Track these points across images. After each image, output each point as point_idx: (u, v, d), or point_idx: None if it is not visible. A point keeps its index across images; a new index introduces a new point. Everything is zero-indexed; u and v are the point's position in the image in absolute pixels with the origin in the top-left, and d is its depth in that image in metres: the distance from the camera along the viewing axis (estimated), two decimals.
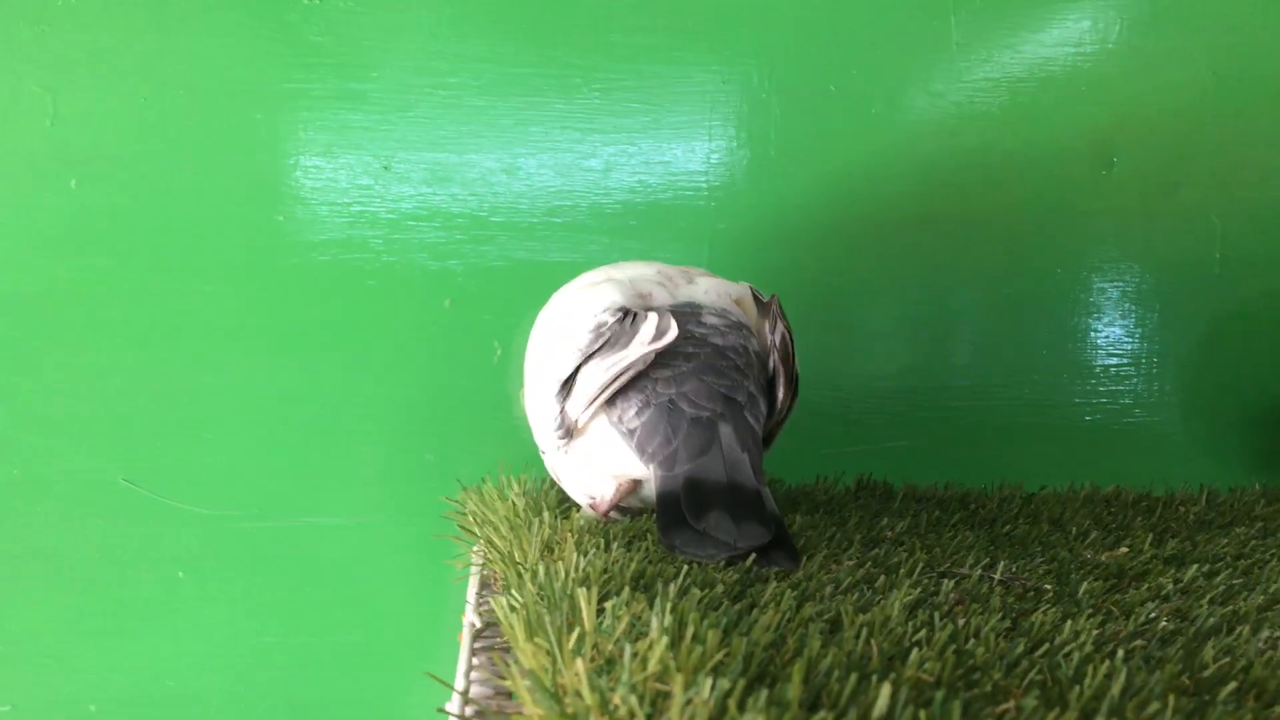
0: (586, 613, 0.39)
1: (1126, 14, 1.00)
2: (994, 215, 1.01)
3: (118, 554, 0.93)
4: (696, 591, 0.44)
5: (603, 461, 0.68)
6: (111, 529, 0.93)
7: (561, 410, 0.68)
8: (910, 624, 0.44)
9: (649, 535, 0.61)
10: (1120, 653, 0.39)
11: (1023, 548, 0.66)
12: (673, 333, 0.63)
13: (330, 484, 0.94)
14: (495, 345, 0.95)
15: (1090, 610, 0.50)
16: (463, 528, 0.78)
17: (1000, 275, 1.02)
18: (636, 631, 0.39)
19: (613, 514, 0.70)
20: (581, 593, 0.40)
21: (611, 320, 0.66)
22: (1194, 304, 1.03)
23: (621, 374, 0.63)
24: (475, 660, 0.55)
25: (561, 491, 0.77)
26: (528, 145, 0.95)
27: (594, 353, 0.65)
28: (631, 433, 0.63)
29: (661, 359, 0.64)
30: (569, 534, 0.61)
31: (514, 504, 0.74)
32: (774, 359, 0.68)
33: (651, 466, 0.62)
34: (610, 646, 0.38)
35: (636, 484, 0.68)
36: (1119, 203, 1.02)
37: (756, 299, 0.72)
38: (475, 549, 0.85)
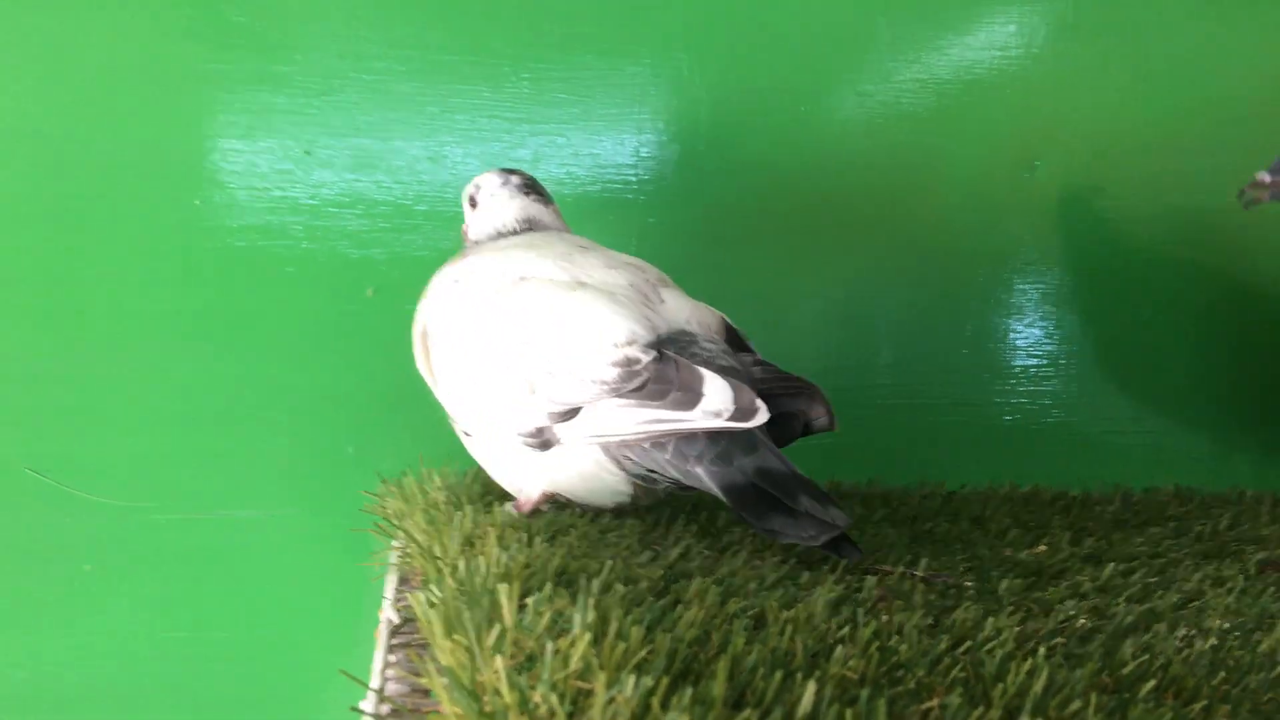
0: (507, 608, 0.38)
1: (1051, 20, 1.01)
2: (919, 215, 1.02)
3: (22, 545, 0.89)
4: (620, 587, 0.43)
5: (551, 470, 0.66)
6: (16, 520, 0.89)
7: (548, 426, 0.64)
8: (834, 621, 0.44)
9: (573, 530, 0.60)
10: (1041, 650, 0.40)
11: (944, 545, 0.67)
12: (763, 415, 0.58)
13: (245, 476, 0.92)
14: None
15: (1011, 607, 0.50)
16: (378, 524, 0.76)
17: (924, 275, 1.02)
18: (558, 628, 0.38)
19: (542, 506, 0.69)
20: (503, 588, 0.39)
21: (646, 360, 0.61)
22: (1113, 306, 1.05)
23: (667, 435, 0.60)
24: (392, 657, 0.54)
25: (483, 484, 0.76)
26: (454, 134, 0.94)
27: (623, 393, 0.61)
28: (663, 446, 0.61)
29: None
30: (490, 528, 0.60)
31: (434, 498, 0.72)
32: None
33: (700, 468, 0.59)
34: (531, 643, 0.38)
35: (555, 495, 0.68)
36: (1041, 205, 1.03)
37: (731, 330, 0.70)
38: (394, 544, 0.83)
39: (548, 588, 0.43)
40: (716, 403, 0.58)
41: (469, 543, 0.58)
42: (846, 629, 0.42)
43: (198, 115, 0.90)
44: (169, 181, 0.89)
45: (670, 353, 0.62)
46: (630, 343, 0.61)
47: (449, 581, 0.47)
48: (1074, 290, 1.04)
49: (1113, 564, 0.61)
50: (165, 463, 0.91)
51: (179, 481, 0.91)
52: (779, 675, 0.34)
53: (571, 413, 0.63)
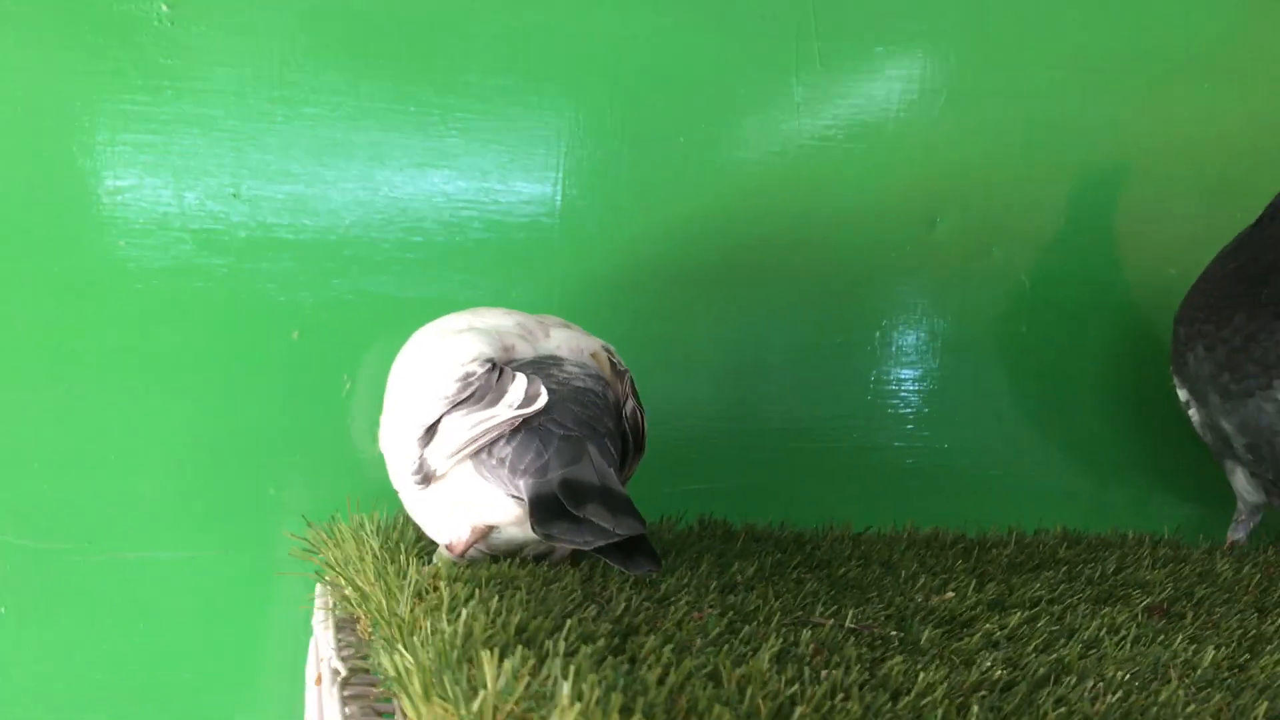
0: (489, 675, 0.41)
1: (951, 85, 1.08)
2: (827, 267, 1.07)
3: None
4: (585, 647, 0.46)
5: (462, 506, 0.69)
6: None
7: (421, 456, 0.69)
8: (781, 677, 0.47)
9: (518, 581, 0.63)
10: (975, 708, 0.44)
11: (860, 592, 0.71)
12: (543, 399, 0.66)
13: (166, 517, 0.92)
14: (344, 379, 0.95)
15: (934, 658, 0.54)
16: (317, 572, 0.77)
17: (830, 323, 1.07)
18: (535, 693, 0.41)
19: (471, 553, 0.72)
20: (485, 655, 0.41)
21: (480, 371, 0.68)
22: (1005, 357, 1.11)
23: (487, 433, 0.66)
24: (349, 710, 0.56)
25: (417, 530, 0.78)
26: (382, 179, 0.95)
27: (460, 403, 0.67)
28: (503, 461, 0.66)
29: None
30: (439, 581, 0.62)
31: (371, 546, 0.74)
32: (625, 427, 0.72)
33: (523, 482, 0.64)
34: (511, 707, 0.40)
35: (490, 530, 0.70)
36: (939, 259, 1.09)
37: (611, 360, 0.75)
38: (320, 588, 0.84)
39: (519, 650, 0.45)
40: (514, 396, 0.66)
41: (418, 595, 0.60)
42: (795, 687, 0.45)
43: (122, 156, 0.90)
44: (93, 222, 0.90)
45: (501, 365, 0.69)
46: (473, 360, 0.69)
47: (416, 643, 0.49)
48: (970, 341, 1.10)
49: (1018, 611, 0.66)
50: (84, 503, 0.91)
51: (98, 522, 0.91)
52: None
53: (431, 431, 0.69)
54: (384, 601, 0.61)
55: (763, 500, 1.03)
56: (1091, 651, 0.58)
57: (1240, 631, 0.66)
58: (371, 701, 0.57)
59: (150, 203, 0.91)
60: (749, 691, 0.42)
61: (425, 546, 0.76)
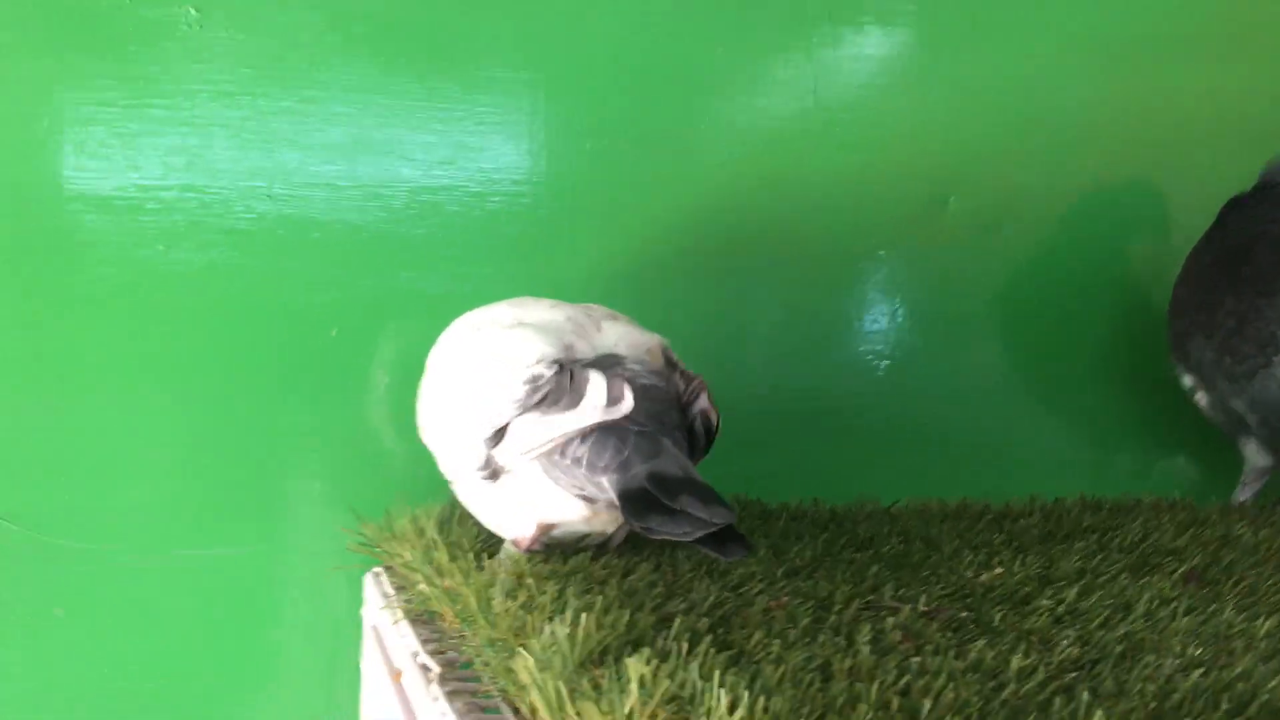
0: (634, 678, 0.43)
1: (952, 65, 1.10)
2: (831, 247, 1.09)
3: None
4: (712, 650, 0.49)
5: (528, 503, 0.71)
6: None
7: (489, 454, 0.71)
8: (884, 667, 0.50)
9: (604, 580, 0.65)
10: (1084, 693, 0.47)
11: (913, 571, 0.74)
12: (628, 403, 0.67)
13: (213, 514, 0.94)
14: (380, 374, 0.96)
15: (1014, 639, 0.58)
16: (391, 565, 0.79)
17: (833, 301, 1.10)
18: (674, 695, 0.43)
19: (535, 547, 0.74)
20: (632, 663, 0.44)
21: (548, 374, 0.68)
22: (1009, 331, 1.14)
23: (566, 435, 0.67)
24: (457, 705, 0.58)
25: (475, 526, 0.80)
26: (408, 174, 0.97)
27: (529, 407, 0.68)
28: (578, 461, 0.67)
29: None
30: (524, 578, 0.64)
31: (435, 539, 0.76)
32: (698, 426, 0.74)
33: (605, 479, 0.66)
34: (655, 709, 0.43)
35: (552, 527, 0.72)
36: (948, 237, 1.12)
37: (668, 357, 0.76)
38: (372, 583, 0.87)
39: (644, 652, 0.48)
40: (595, 398, 0.66)
41: (508, 594, 0.62)
42: (907, 678, 0.48)
43: (158, 159, 0.91)
44: (133, 227, 0.90)
45: (570, 365, 0.69)
46: (539, 361, 0.69)
47: (532, 644, 0.51)
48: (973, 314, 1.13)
49: (1066, 585, 0.70)
50: (131, 504, 0.92)
51: (146, 523, 0.92)
52: None
53: (500, 434, 0.69)
54: (472, 599, 0.63)
55: (776, 478, 1.05)
56: (1152, 625, 0.62)
57: (1278, 598, 0.70)
58: (476, 697, 0.59)
59: (187, 206, 0.91)
60: (873, 690, 0.45)
61: (487, 540, 0.78)
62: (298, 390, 0.95)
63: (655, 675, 0.44)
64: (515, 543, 0.74)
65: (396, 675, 0.71)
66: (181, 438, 0.92)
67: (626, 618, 0.54)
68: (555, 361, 0.69)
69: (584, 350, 0.72)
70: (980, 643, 0.56)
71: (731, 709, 0.39)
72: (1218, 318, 0.99)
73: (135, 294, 0.91)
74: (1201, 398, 1.03)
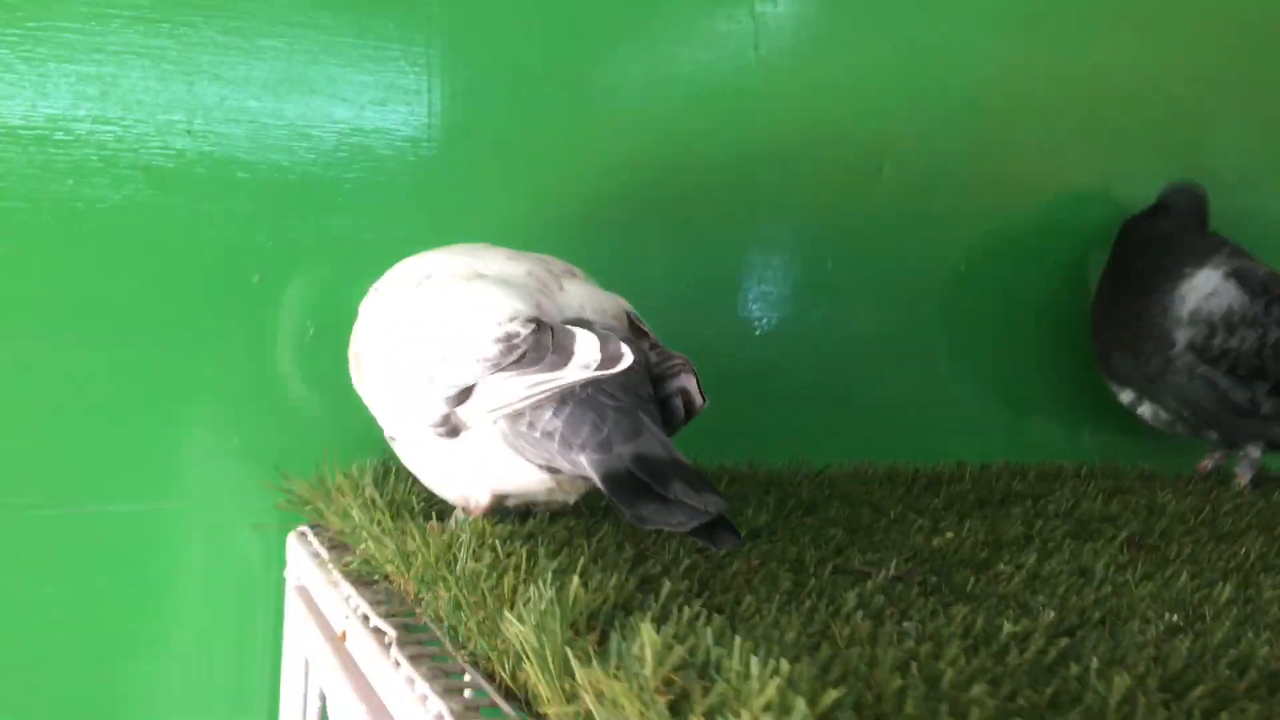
0: (649, 650, 0.41)
1: (892, 36, 1.10)
2: (759, 206, 1.08)
3: None
4: (705, 613, 0.47)
5: (483, 467, 0.68)
6: None
7: (450, 411, 0.67)
8: (883, 633, 0.49)
9: (573, 544, 0.63)
10: (1093, 658, 0.46)
11: (866, 535, 0.74)
12: (628, 359, 0.63)
13: (124, 468, 0.88)
14: (308, 324, 0.92)
15: (993, 603, 0.57)
16: (344, 527, 0.75)
17: (751, 261, 1.09)
18: (688, 663, 0.42)
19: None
20: (645, 628, 0.42)
21: (525, 333, 0.64)
22: (941, 298, 1.15)
23: (546, 394, 0.63)
24: (421, 669, 0.55)
25: (417, 485, 0.77)
26: (343, 115, 0.92)
27: (503, 366, 0.64)
28: (550, 434, 0.63)
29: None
30: (490, 539, 0.61)
31: (374, 499, 0.73)
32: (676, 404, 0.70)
33: (583, 458, 0.62)
34: (668, 674, 0.41)
35: (506, 496, 0.70)
36: (883, 203, 1.12)
37: (635, 323, 0.72)
38: (296, 543, 0.83)
39: (645, 615, 0.46)
40: (586, 355, 0.63)
41: (476, 556, 0.60)
42: (910, 642, 0.47)
43: (69, 87, 0.84)
44: (37, 159, 0.84)
45: (547, 321, 0.66)
46: (512, 319, 0.65)
47: (522, 610, 0.49)
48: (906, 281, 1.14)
49: (1017, 550, 0.70)
50: (39, 456, 0.86)
51: (55, 476, 0.86)
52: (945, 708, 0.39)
53: (466, 393, 0.66)
54: (433, 560, 0.60)
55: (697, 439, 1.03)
56: (1117, 591, 0.62)
57: (1222, 564, 0.71)
58: (436, 661, 0.56)
59: (99, 139, 0.85)
60: (888, 657, 0.44)
61: (431, 501, 0.75)
62: (217, 339, 0.89)
63: (669, 642, 0.42)
64: (465, 508, 0.71)
65: (341, 637, 0.68)
66: (89, 387, 0.86)
67: (613, 580, 0.52)
68: (531, 320, 0.65)
69: (550, 311, 0.68)
70: (962, 607, 0.55)
71: (760, 677, 0.38)
72: (1123, 325, 1.04)
73: (40, 231, 0.84)
74: (1145, 409, 1.07)
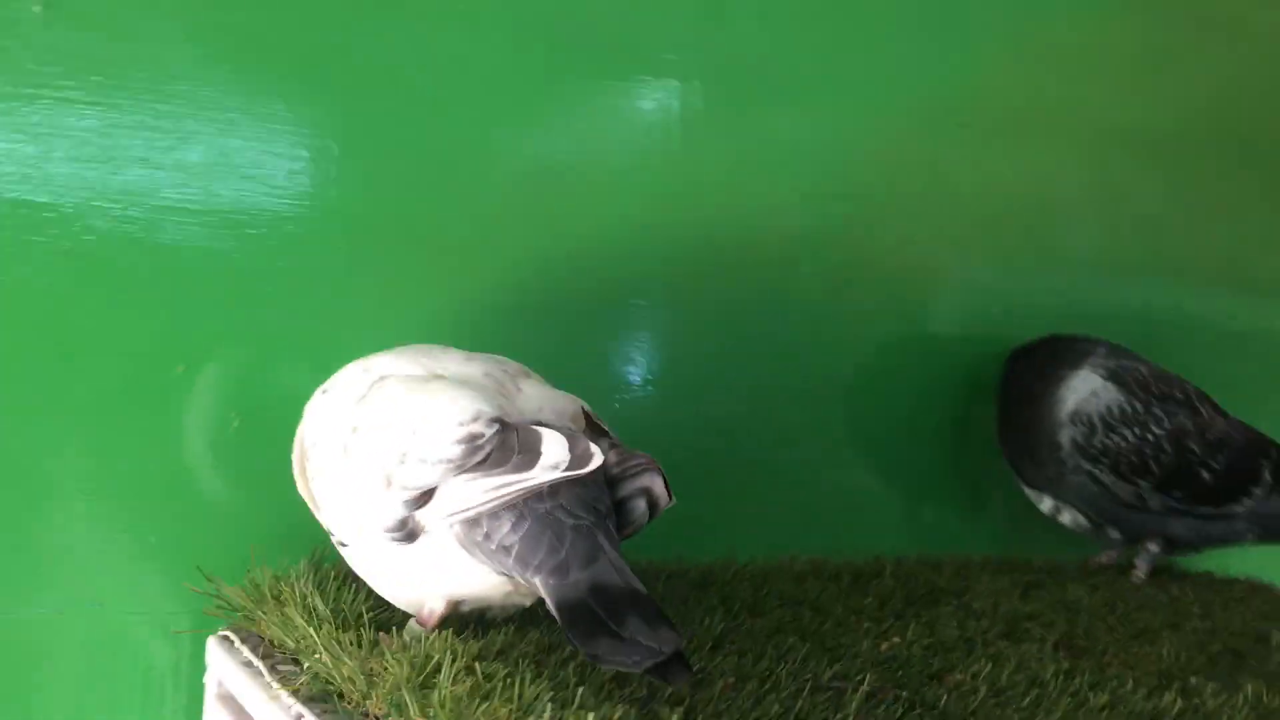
0: None
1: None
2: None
3: None
4: None
5: (438, 573, 0.66)
6: None
7: (409, 515, 0.65)
8: None
9: (536, 660, 0.62)
10: None
11: (820, 643, 0.75)
12: (598, 459, 0.62)
13: (32, 569, 0.83)
14: (232, 415, 0.88)
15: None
16: (287, 639, 0.72)
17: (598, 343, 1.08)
18: None
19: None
20: None
21: (490, 433, 0.63)
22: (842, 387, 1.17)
23: (513, 495, 0.62)
24: None
25: (363, 594, 0.74)
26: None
27: (466, 468, 0.63)
28: (507, 549, 0.62)
29: None
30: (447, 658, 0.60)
31: (318, 609, 0.71)
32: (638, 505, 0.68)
33: (539, 580, 0.61)
34: None
35: (461, 602, 0.68)
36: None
37: (592, 422, 0.72)
38: (218, 649, 0.79)
39: None
40: (554, 455, 0.62)
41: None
42: None
43: None
44: None
45: (511, 421, 0.65)
46: (475, 419, 0.63)
47: None
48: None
49: (969, 658, 0.72)
50: None
51: None
52: None
53: (426, 496, 0.64)
54: (406, 682, 0.59)
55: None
56: (1078, 703, 0.65)
57: (1153, 667, 0.74)
58: None
59: (19, 221, 0.81)
60: None
61: (380, 608, 0.73)
62: (136, 432, 0.85)
63: None
64: (420, 621, 0.69)
65: None
66: (11, 481, 0.81)
67: (619, 713, 0.51)
68: (495, 420, 0.64)
69: (510, 414, 0.67)
70: None
71: None
72: (1019, 432, 1.11)
73: None
74: (1065, 516, 1.11)
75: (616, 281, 1.05)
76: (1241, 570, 1.19)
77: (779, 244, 1.12)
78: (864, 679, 0.65)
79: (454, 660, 0.60)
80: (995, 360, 1.18)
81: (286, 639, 0.72)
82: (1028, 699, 0.64)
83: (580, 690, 0.55)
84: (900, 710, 0.60)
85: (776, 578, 0.94)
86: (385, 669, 0.61)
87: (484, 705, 0.54)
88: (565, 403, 0.71)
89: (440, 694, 0.56)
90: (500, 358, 0.74)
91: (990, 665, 0.70)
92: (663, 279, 1.07)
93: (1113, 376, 1.07)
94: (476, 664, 0.59)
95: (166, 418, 0.87)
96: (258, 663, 0.75)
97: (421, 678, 0.59)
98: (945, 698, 0.63)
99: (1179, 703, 0.65)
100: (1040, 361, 1.11)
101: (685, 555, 0.98)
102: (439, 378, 0.69)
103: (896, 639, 0.77)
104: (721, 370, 1.10)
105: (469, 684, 0.57)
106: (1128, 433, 1.05)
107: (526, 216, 1.00)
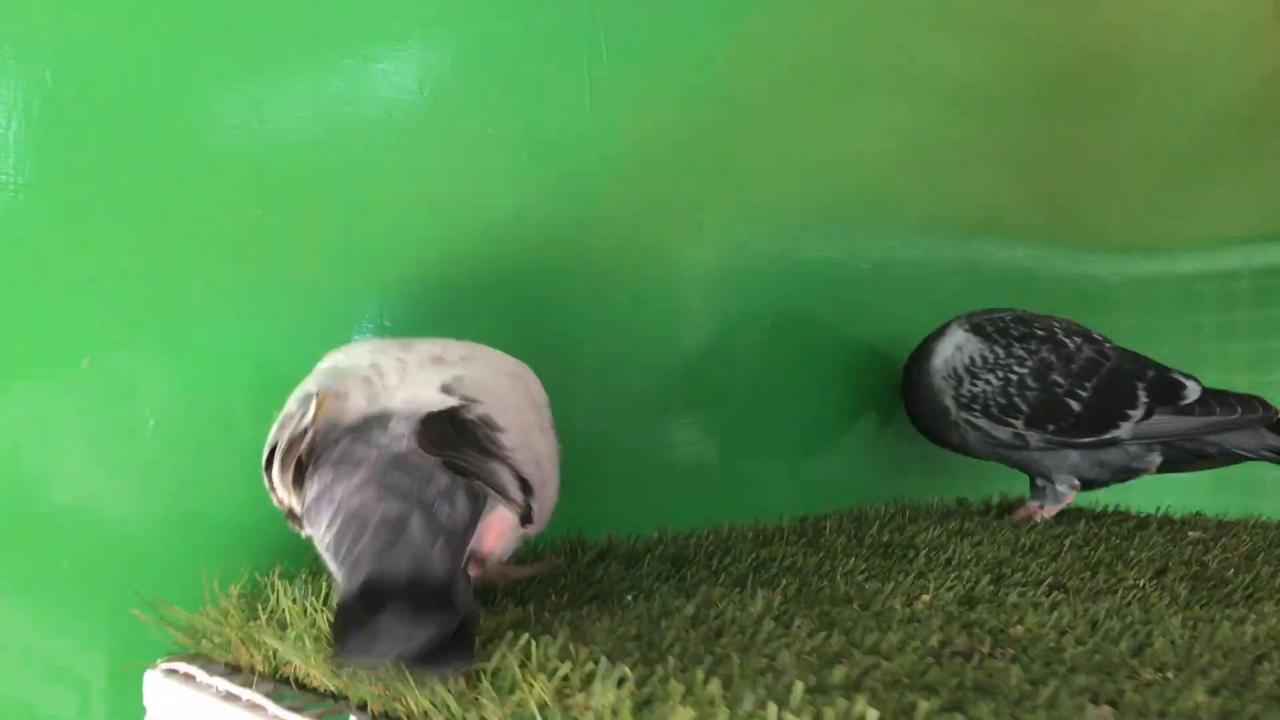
0: None
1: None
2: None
3: None
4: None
5: None
6: None
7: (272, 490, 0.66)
8: None
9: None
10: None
11: (863, 606, 0.72)
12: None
13: None
14: (147, 413, 0.77)
15: (1062, 665, 0.57)
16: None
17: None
18: None
19: None
20: None
21: (296, 410, 0.65)
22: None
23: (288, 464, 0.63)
24: None
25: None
26: None
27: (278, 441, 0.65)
28: (329, 548, 0.59)
29: (341, 471, 0.61)
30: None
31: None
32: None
33: (340, 577, 0.57)
34: None
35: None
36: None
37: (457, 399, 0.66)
38: (159, 680, 0.69)
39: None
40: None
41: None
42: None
43: None
44: None
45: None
46: (296, 397, 0.67)
47: None
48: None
49: (1001, 609, 0.71)
50: None
51: None
52: None
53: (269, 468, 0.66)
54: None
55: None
56: (1111, 634, 0.65)
57: (1129, 595, 0.76)
58: None
59: None
60: None
61: None
62: (45, 435, 0.73)
63: None
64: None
65: None
66: None
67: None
68: (307, 396, 0.65)
69: (357, 404, 0.65)
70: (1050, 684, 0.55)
71: None
72: (916, 408, 1.15)
73: None
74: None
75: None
76: None
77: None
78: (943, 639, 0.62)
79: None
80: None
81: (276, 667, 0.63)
82: (1067, 637, 0.63)
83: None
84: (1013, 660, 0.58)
85: (736, 542, 0.92)
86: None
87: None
88: (430, 396, 0.65)
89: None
90: (420, 343, 0.72)
91: (1014, 611, 0.70)
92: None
93: (974, 329, 1.12)
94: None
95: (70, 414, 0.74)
96: (241, 691, 0.66)
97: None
98: (1030, 644, 0.62)
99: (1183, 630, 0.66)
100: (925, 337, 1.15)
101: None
102: (320, 370, 0.70)
103: (927, 596, 0.75)
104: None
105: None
106: (990, 377, 1.08)
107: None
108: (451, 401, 0.65)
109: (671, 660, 0.54)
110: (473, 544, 0.61)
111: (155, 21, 0.77)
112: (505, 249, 0.96)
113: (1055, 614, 0.69)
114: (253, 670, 0.68)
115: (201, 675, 0.69)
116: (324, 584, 0.69)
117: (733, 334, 1.14)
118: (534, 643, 0.56)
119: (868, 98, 1.24)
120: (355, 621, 0.51)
